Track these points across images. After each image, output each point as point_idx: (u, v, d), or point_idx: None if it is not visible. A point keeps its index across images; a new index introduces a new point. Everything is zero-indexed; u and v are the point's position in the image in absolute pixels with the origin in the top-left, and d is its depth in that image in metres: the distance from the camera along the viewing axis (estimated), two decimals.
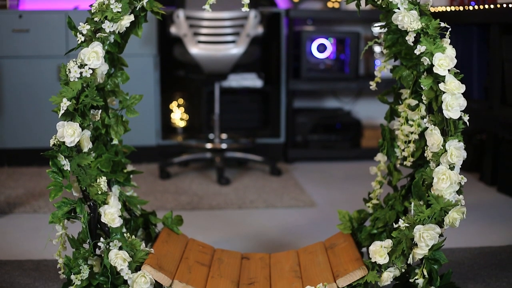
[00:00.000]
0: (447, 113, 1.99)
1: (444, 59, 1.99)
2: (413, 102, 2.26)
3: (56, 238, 2.09)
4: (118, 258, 2.03)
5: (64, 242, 2.10)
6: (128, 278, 2.04)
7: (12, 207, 3.50)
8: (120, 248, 2.05)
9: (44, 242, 2.48)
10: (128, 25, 2.08)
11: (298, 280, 2.20)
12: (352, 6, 4.70)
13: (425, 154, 2.07)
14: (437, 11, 4.11)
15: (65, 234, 2.09)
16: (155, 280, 2.06)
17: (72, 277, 2.05)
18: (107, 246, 2.05)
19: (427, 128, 2.05)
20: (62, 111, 1.98)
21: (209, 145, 4.38)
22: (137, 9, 2.14)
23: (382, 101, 2.38)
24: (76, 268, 2.06)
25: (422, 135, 2.28)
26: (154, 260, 2.10)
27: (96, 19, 2.04)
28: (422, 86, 2.04)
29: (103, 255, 2.05)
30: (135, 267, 2.06)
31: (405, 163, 2.34)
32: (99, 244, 2.06)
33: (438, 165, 2.01)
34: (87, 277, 2.05)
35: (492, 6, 3.78)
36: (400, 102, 2.35)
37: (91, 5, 2.07)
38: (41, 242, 2.86)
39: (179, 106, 4.92)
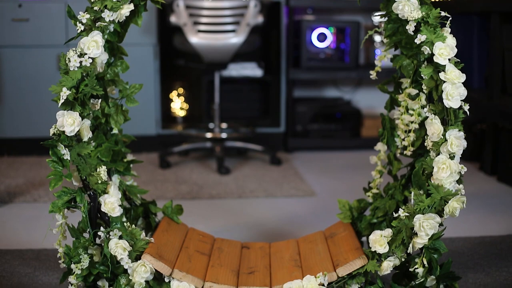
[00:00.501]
0: (448, 103, 1.98)
1: (445, 48, 1.98)
2: (414, 92, 2.26)
3: (56, 227, 2.09)
4: (118, 247, 2.04)
5: (64, 231, 2.10)
6: (128, 267, 2.04)
7: (12, 197, 3.50)
8: (120, 237, 2.05)
9: (44, 232, 2.49)
10: (127, 14, 2.07)
11: (298, 269, 2.20)
12: None
13: (425, 144, 2.06)
14: (437, 0, 4.10)
15: (65, 223, 2.09)
16: (155, 269, 2.06)
17: (72, 266, 2.05)
18: (107, 235, 2.05)
19: (427, 117, 2.05)
20: (62, 100, 1.97)
21: (209, 135, 4.38)
22: None
23: (382, 90, 2.38)
24: (76, 257, 2.06)
25: (422, 124, 2.28)
26: (154, 249, 2.11)
27: (95, 8, 2.03)
28: (422, 75, 2.03)
29: (103, 244, 2.05)
30: (135, 256, 2.07)
31: (405, 152, 2.34)
32: (99, 233, 2.06)
33: (438, 154, 2.01)
34: (87, 266, 2.05)
35: None
36: (400, 92, 2.34)
37: None
38: (41, 231, 2.86)
39: (179, 95, 4.92)
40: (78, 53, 2.00)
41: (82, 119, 1.99)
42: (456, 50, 2.00)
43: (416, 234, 2.00)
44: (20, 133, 4.44)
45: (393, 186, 2.40)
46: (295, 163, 4.39)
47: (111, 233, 2.05)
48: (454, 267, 2.53)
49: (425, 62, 2.04)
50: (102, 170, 2.04)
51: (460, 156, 2.01)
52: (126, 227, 2.10)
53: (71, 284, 2.05)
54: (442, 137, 2.00)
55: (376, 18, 4.77)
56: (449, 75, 1.98)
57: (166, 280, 2.08)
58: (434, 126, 2.01)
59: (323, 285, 2.07)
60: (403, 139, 2.35)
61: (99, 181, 2.03)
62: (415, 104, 2.27)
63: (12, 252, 2.73)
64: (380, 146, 2.42)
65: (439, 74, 1.99)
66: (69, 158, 2.00)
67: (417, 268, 2.04)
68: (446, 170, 1.97)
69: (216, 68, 4.33)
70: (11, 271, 2.55)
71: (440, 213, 1.99)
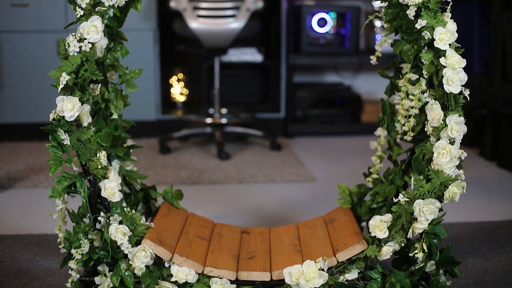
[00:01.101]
0: (448, 88, 1.98)
1: (445, 34, 1.98)
2: (414, 77, 2.25)
3: (56, 212, 2.09)
4: (118, 233, 2.04)
5: (64, 216, 2.10)
6: (128, 252, 2.05)
7: (12, 182, 3.51)
8: (120, 223, 2.06)
9: (44, 217, 2.49)
10: None
11: (298, 254, 2.20)
12: None
13: (426, 129, 2.06)
14: None
15: (65, 208, 2.09)
16: (155, 254, 2.06)
17: (73, 251, 2.05)
18: (107, 221, 2.05)
19: (427, 102, 2.05)
20: (61, 86, 1.97)
21: (209, 120, 4.38)
22: None
23: (383, 75, 2.37)
24: (77, 243, 2.06)
25: (422, 109, 2.28)
26: (154, 234, 2.11)
27: None
28: (422, 60, 2.03)
29: (103, 230, 2.05)
30: (135, 241, 2.07)
31: (405, 137, 2.33)
32: (99, 218, 2.06)
33: (438, 139, 2.01)
34: (87, 251, 2.06)
35: None
36: (401, 77, 2.34)
37: None
38: (42, 216, 2.87)
39: (179, 80, 4.91)
40: (78, 38, 1.99)
41: (81, 104, 1.99)
42: (456, 35, 1.99)
43: (416, 219, 2.00)
44: (20, 118, 4.44)
45: (393, 171, 2.40)
46: (295, 149, 4.39)
47: (111, 218, 2.05)
48: (454, 252, 2.54)
49: (426, 47, 2.04)
50: (102, 155, 2.04)
51: (460, 141, 2.00)
52: (126, 212, 2.10)
53: (72, 269, 2.06)
54: (442, 122, 2.00)
55: (377, 3, 4.76)
56: (450, 60, 1.97)
57: (166, 265, 2.08)
58: (434, 111, 2.00)
59: (323, 270, 2.07)
60: (403, 124, 2.34)
61: (99, 166, 2.03)
62: (415, 89, 2.27)
63: (12, 237, 2.73)
64: (380, 132, 2.42)
65: (440, 59, 1.98)
66: (69, 143, 2.00)
67: (416, 253, 2.04)
68: (446, 156, 1.97)
69: (216, 53, 4.32)
70: (11, 256, 2.56)
71: (440, 198, 1.99)
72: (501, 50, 3.95)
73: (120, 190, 2.08)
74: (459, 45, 2.01)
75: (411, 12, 2.02)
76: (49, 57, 4.38)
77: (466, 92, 2.01)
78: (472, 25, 4.48)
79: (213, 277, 2.08)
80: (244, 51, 4.77)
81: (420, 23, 2.00)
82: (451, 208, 2.41)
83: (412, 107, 2.29)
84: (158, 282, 2.06)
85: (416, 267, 2.05)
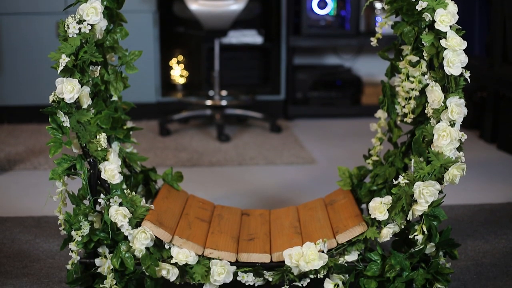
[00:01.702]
0: (448, 70, 1.98)
1: (446, 15, 1.97)
2: (414, 59, 2.25)
3: (56, 194, 2.09)
4: (119, 214, 2.04)
5: (65, 198, 2.10)
6: (128, 234, 2.05)
7: (12, 164, 3.51)
8: (120, 204, 2.06)
9: (44, 199, 2.49)
10: None
11: (298, 236, 2.20)
12: None
13: (426, 111, 2.06)
14: None
15: (65, 190, 2.10)
16: (155, 236, 2.07)
17: (73, 233, 2.06)
18: (107, 203, 2.05)
19: (428, 84, 2.04)
20: (61, 67, 1.96)
21: (209, 102, 4.37)
22: None
23: (383, 57, 2.37)
24: (77, 224, 2.07)
25: (422, 91, 2.27)
26: (154, 216, 2.11)
27: None
28: (423, 42, 2.02)
29: (103, 211, 2.05)
30: (136, 223, 2.07)
31: (405, 119, 2.33)
32: (99, 200, 2.06)
33: (438, 121, 2.00)
34: (87, 233, 2.06)
35: None
36: (401, 59, 2.33)
37: None
38: (42, 198, 2.87)
39: (178, 62, 4.90)
40: (77, 20, 1.98)
41: (81, 86, 1.98)
42: (457, 17, 1.98)
43: (415, 201, 2.00)
44: (20, 100, 4.43)
45: (393, 153, 2.40)
46: (295, 131, 4.39)
47: (111, 200, 2.05)
48: (454, 234, 2.54)
49: (426, 29, 2.03)
50: (102, 137, 2.04)
51: (461, 123, 2.00)
52: (126, 194, 2.10)
53: (72, 251, 2.06)
54: (442, 104, 1.99)
55: None
56: (450, 42, 1.97)
57: (166, 246, 2.09)
58: (435, 93, 2.00)
59: (323, 251, 2.07)
60: (404, 106, 2.34)
61: (99, 148, 2.03)
62: (415, 71, 2.26)
63: (12, 219, 2.74)
64: (381, 113, 2.42)
65: (440, 41, 1.97)
66: (68, 125, 2.00)
67: (416, 235, 2.04)
68: (446, 138, 1.97)
69: (216, 35, 4.31)
70: (11, 238, 2.56)
71: (440, 180, 1.99)
72: (502, 32, 3.94)
73: (120, 172, 2.08)
74: (460, 27, 2.00)
75: None
76: (49, 39, 4.37)
77: (467, 74, 2.00)
78: (473, 7, 4.47)
79: (213, 259, 2.08)
80: (244, 33, 4.76)
81: (421, 4, 1.99)
82: (451, 190, 2.41)
83: (412, 89, 2.29)
84: (158, 264, 2.06)
85: (416, 249, 2.06)
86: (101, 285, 2.07)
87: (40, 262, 2.37)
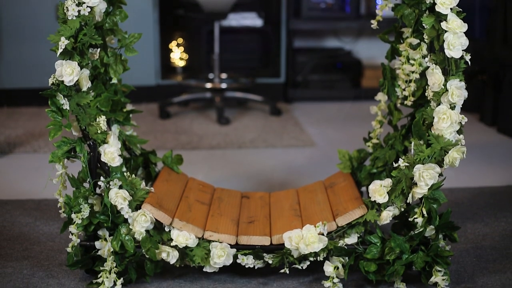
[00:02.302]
0: (449, 52, 1.97)
1: None
2: (415, 41, 2.24)
3: (56, 177, 2.09)
4: (118, 197, 2.04)
5: (64, 181, 2.10)
6: (128, 217, 2.05)
7: (12, 147, 3.51)
8: (120, 187, 2.06)
9: (44, 182, 2.49)
10: None
11: (298, 218, 2.21)
12: None
13: (426, 94, 2.05)
14: None
15: (65, 173, 2.10)
16: (155, 219, 2.07)
17: (73, 216, 2.06)
18: (107, 185, 2.05)
19: (428, 67, 2.04)
20: (60, 50, 1.96)
21: (208, 85, 4.36)
22: None
23: (383, 40, 2.36)
24: (77, 207, 2.07)
25: (423, 74, 2.27)
26: (154, 199, 2.11)
27: None
28: (424, 24, 2.01)
29: (103, 194, 2.05)
30: (136, 206, 2.07)
31: (405, 102, 2.33)
32: (99, 183, 2.06)
33: (438, 104, 2.00)
34: (87, 216, 2.06)
35: None
36: (402, 41, 2.33)
37: None
38: (42, 181, 2.87)
39: (178, 45, 4.89)
40: (76, 2, 1.98)
41: (81, 69, 1.98)
42: None
43: (415, 184, 2.00)
44: (20, 83, 4.42)
45: (393, 136, 2.40)
46: (295, 114, 4.38)
47: (111, 183, 2.05)
48: (453, 217, 2.55)
49: (427, 12, 2.02)
50: (102, 120, 2.03)
51: (461, 106, 2.00)
52: (126, 177, 2.10)
53: (72, 234, 2.06)
54: (443, 87, 1.99)
55: None
56: (451, 24, 1.96)
57: (166, 229, 2.09)
58: (435, 76, 1.99)
59: (323, 234, 2.08)
60: (404, 89, 2.34)
61: (99, 131, 2.03)
62: (416, 54, 2.26)
63: (12, 202, 2.74)
64: (381, 96, 2.41)
65: (441, 23, 1.97)
66: (68, 108, 1.99)
67: (416, 218, 2.04)
68: (446, 120, 1.97)
69: (216, 18, 4.29)
70: (12, 221, 2.57)
71: (440, 163, 1.99)
72: (503, 14, 3.93)
73: (120, 155, 2.08)
74: (461, 9, 2.00)
75: None
76: (48, 21, 4.36)
77: (467, 57, 2.00)
78: None
79: (213, 241, 2.09)
80: (244, 15, 4.74)
81: None
82: (451, 173, 2.41)
83: (412, 72, 2.28)
84: (158, 247, 2.07)
85: (416, 232, 2.06)
86: (101, 268, 2.08)
87: (40, 244, 2.37)
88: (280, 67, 4.77)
